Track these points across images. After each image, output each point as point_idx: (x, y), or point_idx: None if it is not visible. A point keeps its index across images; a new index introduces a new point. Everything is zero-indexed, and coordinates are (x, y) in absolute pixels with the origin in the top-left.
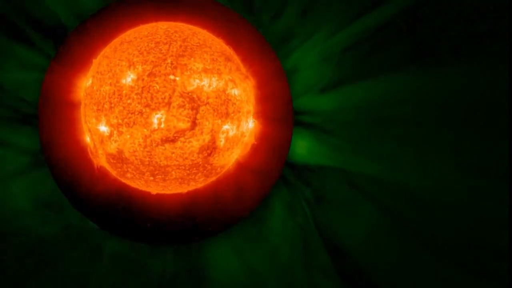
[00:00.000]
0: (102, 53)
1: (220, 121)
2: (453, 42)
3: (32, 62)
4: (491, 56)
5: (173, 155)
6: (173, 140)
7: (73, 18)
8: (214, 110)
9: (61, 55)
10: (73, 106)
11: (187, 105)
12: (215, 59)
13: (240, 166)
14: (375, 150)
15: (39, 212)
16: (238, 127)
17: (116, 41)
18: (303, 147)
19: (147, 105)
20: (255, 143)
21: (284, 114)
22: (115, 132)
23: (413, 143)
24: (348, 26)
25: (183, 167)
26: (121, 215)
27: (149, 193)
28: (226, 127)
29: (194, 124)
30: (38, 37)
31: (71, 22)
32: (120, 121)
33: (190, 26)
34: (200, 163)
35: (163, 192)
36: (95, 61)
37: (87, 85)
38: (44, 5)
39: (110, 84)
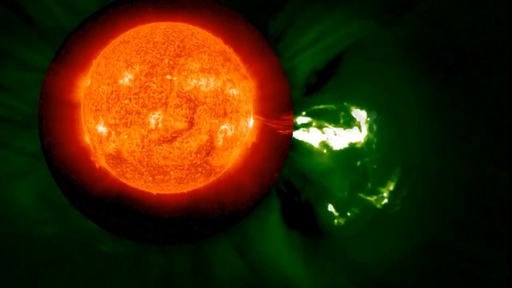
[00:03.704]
0: (101, 53)
1: (217, 121)
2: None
3: (32, 63)
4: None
5: (171, 155)
6: (170, 140)
7: (72, 19)
8: (211, 110)
9: (61, 55)
10: (73, 106)
11: (184, 105)
12: (213, 59)
13: (240, 166)
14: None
15: (39, 212)
16: (236, 127)
17: (115, 42)
18: (303, 146)
19: (144, 105)
20: (255, 143)
21: (284, 113)
22: (113, 132)
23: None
24: (348, 25)
25: (182, 167)
26: (121, 215)
27: (149, 193)
28: (224, 127)
29: (191, 124)
30: (38, 38)
31: (70, 23)
32: (117, 121)
33: (190, 26)
34: (199, 163)
35: (163, 192)
36: (95, 62)
37: (86, 85)
38: (44, 6)
39: (108, 84)
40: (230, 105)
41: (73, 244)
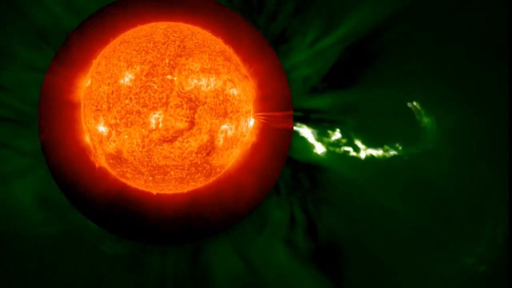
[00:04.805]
0: (101, 53)
1: (218, 120)
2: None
3: (32, 63)
4: None
5: (172, 155)
6: (171, 140)
7: (72, 19)
8: (212, 110)
9: (61, 55)
10: (73, 106)
11: (184, 105)
12: (213, 59)
13: (240, 166)
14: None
15: (39, 212)
16: (237, 127)
17: (115, 41)
18: (303, 145)
19: (145, 105)
20: (255, 142)
21: (284, 113)
22: (113, 132)
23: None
24: (346, 25)
25: (182, 167)
26: (121, 215)
27: (149, 193)
28: (224, 126)
29: (192, 124)
30: (38, 38)
31: (70, 23)
32: (118, 121)
33: (190, 26)
34: (199, 163)
35: (163, 192)
36: (95, 62)
37: (86, 85)
38: (44, 6)
39: (108, 84)
40: (231, 105)
41: (73, 244)
